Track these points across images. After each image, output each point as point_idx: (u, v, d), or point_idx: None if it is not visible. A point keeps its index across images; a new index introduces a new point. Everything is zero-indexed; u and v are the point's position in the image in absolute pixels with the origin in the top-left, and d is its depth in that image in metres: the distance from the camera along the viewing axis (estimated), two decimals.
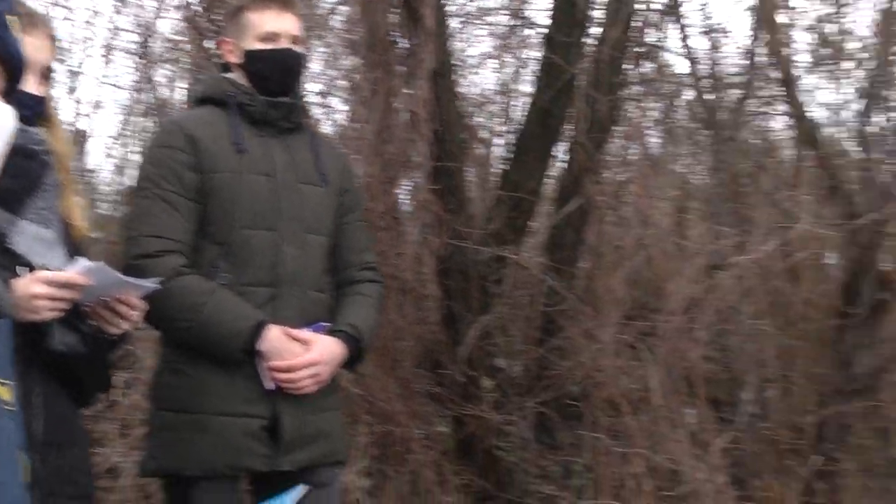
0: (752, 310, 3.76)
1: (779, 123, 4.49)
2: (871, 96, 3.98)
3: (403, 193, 3.69)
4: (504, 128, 4.62)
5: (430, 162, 3.60)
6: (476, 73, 4.63)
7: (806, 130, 4.08)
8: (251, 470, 1.98)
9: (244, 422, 1.93)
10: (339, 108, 3.94)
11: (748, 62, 4.30)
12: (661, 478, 3.48)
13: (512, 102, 4.74)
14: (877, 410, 3.81)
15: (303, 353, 1.96)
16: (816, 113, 4.22)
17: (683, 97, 4.59)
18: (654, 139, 4.70)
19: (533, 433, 3.55)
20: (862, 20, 4.18)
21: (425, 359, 3.57)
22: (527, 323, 3.83)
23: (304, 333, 2.00)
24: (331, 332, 2.06)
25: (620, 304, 3.68)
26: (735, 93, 4.33)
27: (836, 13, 4.21)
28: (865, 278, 3.72)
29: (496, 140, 4.67)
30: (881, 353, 3.96)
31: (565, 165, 4.24)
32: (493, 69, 4.78)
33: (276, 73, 2.07)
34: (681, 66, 4.50)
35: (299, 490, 1.60)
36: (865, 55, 4.11)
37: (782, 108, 4.23)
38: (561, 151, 4.23)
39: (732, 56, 4.43)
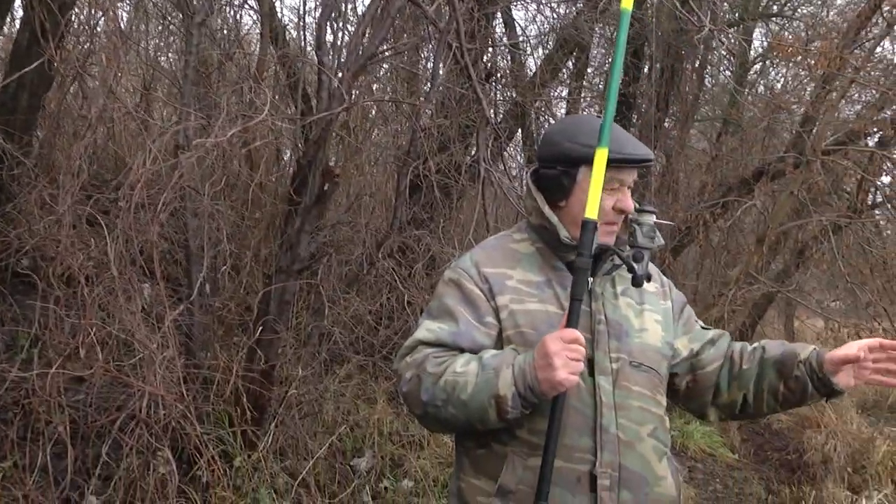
0: (210, 191, 4.23)
1: (248, 18, 5.02)
2: (329, 6, 4.74)
3: None
4: None
5: None
6: None
7: (273, 29, 4.68)
8: None
9: None
10: None
11: None
12: (114, 348, 3.81)
13: None
14: (313, 288, 4.67)
15: None
16: (284, 14, 4.85)
17: None
18: (124, 13, 4.87)
19: None
20: None
21: None
22: None
23: None
24: None
25: (79, 176, 3.84)
26: None
27: None
28: (313, 170, 4.48)
29: None
30: (320, 239, 4.83)
31: (21, 25, 4.19)
32: None
33: None
34: None
35: None
36: None
37: (253, 3, 4.76)
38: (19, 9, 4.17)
39: None
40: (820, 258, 9.15)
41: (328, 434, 4.77)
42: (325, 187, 4.42)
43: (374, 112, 6.44)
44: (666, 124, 10.60)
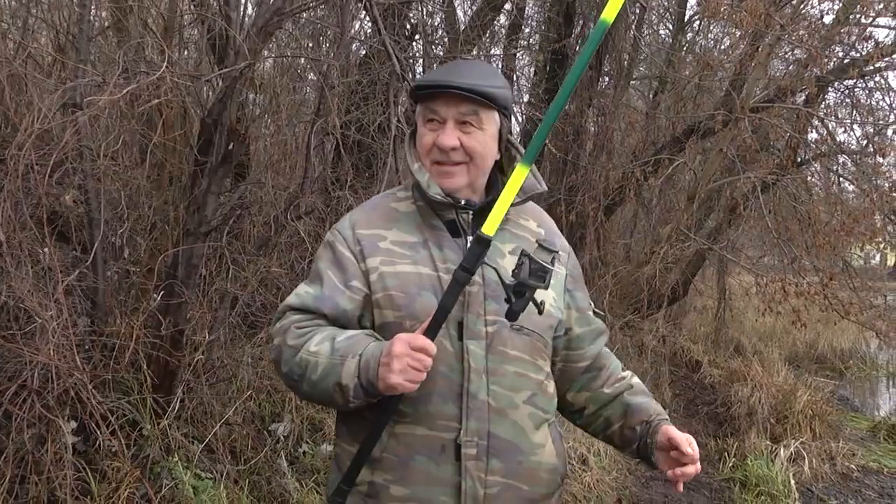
0: (109, 151, 4.01)
1: None
2: None
3: None
4: None
5: None
6: None
7: None
8: None
9: None
10: None
11: None
12: (6, 316, 3.60)
13: None
14: (220, 250, 4.48)
15: None
16: None
17: None
18: None
19: None
20: None
21: None
22: None
23: None
24: None
25: None
26: None
27: None
28: (219, 130, 4.26)
29: None
30: (233, 200, 4.63)
31: None
32: None
33: None
34: None
35: None
36: None
37: None
38: None
39: None
40: (749, 215, 9.17)
41: (245, 399, 4.62)
42: (231, 147, 4.22)
43: (301, 70, 6.22)
44: (603, 83, 10.50)
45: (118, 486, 3.56)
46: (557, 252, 1.77)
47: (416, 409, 1.82)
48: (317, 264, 1.98)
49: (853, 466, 7.09)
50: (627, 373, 2.18)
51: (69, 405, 3.70)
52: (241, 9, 4.28)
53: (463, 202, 1.92)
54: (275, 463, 4.55)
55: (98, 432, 3.67)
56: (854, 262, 11.25)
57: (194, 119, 4.54)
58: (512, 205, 1.86)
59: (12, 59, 4.46)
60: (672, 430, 1.98)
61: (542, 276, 1.73)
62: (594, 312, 2.14)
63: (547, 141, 8.22)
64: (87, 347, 4.05)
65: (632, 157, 9.79)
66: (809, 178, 10.15)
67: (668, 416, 2.10)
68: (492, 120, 1.92)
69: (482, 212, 1.89)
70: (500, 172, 2.03)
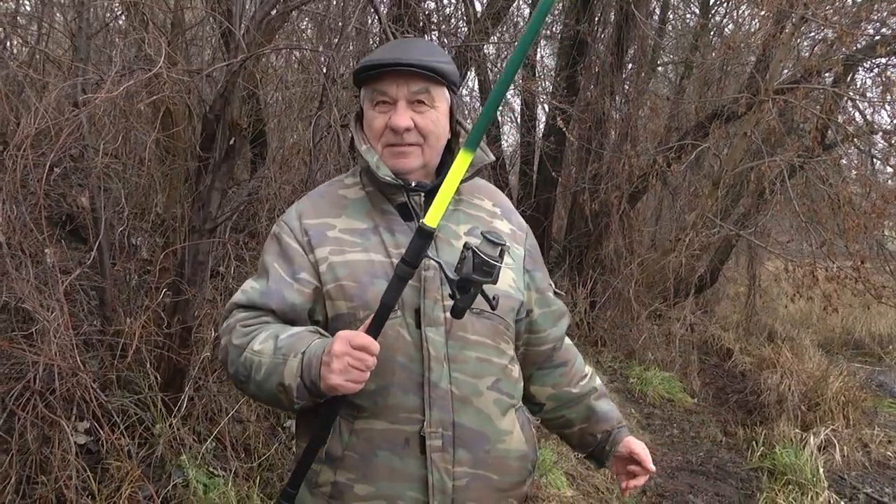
0: (110, 148, 3.98)
1: None
2: None
3: None
4: None
5: None
6: None
7: None
8: None
9: None
10: None
11: None
12: (9, 318, 3.59)
13: None
14: (223, 246, 4.44)
15: None
16: None
17: None
18: None
19: None
20: None
21: None
22: None
23: None
24: None
25: None
26: None
27: None
28: (221, 126, 4.22)
29: None
30: (241, 196, 4.59)
31: None
32: None
33: None
34: None
35: None
36: None
37: None
38: None
39: None
40: (777, 199, 8.95)
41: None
42: (233, 142, 4.17)
43: (309, 63, 6.15)
44: (628, 69, 10.31)
45: (120, 485, 3.53)
46: (505, 245, 1.65)
47: (374, 402, 1.74)
48: (263, 258, 1.89)
49: (889, 454, 6.88)
50: (589, 370, 2.12)
51: (76, 405, 3.68)
52: (242, 2, 4.20)
53: (413, 184, 1.83)
54: (288, 459, 4.50)
55: (101, 432, 3.65)
56: (891, 245, 10.93)
57: (196, 116, 4.49)
58: (461, 180, 1.74)
59: (27, 62, 4.49)
60: (634, 445, 2.00)
61: (487, 271, 1.62)
62: (555, 293, 2.04)
63: (567, 132, 8.09)
64: (94, 347, 4.04)
65: (656, 144, 9.61)
66: (842, 160, 9.87)
67: (626, 423, 2.10)
68: (443, 97, 1.84)
69: (434, 193, 1.81)
70: (447, 152, 1.94)
